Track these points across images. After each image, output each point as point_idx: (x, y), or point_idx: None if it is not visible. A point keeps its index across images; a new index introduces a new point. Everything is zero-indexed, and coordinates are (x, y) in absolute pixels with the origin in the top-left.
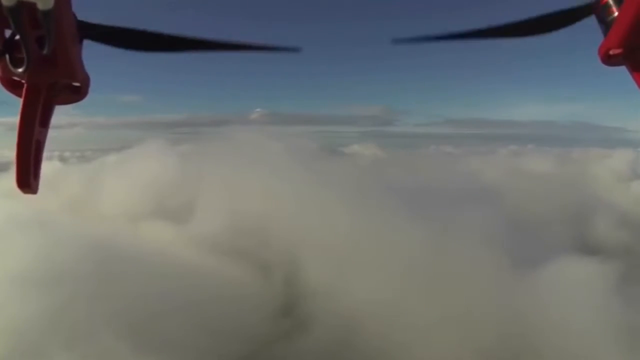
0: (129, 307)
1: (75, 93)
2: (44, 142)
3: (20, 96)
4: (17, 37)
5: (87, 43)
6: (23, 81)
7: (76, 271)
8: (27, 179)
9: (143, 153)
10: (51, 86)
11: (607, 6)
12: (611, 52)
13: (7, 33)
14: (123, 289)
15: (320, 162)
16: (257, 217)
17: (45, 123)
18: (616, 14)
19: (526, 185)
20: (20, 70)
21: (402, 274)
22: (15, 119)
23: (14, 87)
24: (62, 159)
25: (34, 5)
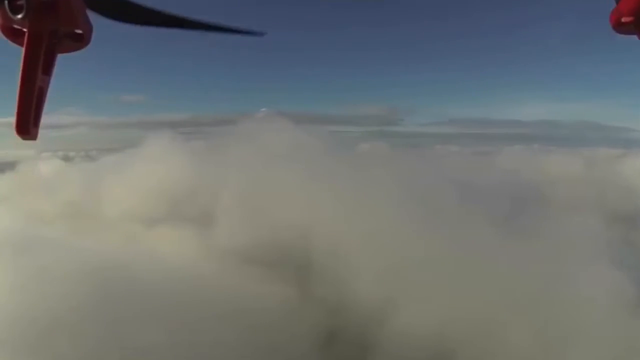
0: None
1: (78, 41)
2: (46, 89)
3: (21, 45)
4: None
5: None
6: (24, 29)
7: (75, 309)
8: (27, 125)
9: (151, 151)
10: (53, 33)
11: None
12: (623, 20)
13: None
14: (132, 322)
15: (341, 162)
16: (287, 222)
17: (48, 70)
18: None
19: (569, 187)
20: (19, 16)
21: (482, 288)
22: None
23: (15, 35)
24: (67, 159)
25: None
